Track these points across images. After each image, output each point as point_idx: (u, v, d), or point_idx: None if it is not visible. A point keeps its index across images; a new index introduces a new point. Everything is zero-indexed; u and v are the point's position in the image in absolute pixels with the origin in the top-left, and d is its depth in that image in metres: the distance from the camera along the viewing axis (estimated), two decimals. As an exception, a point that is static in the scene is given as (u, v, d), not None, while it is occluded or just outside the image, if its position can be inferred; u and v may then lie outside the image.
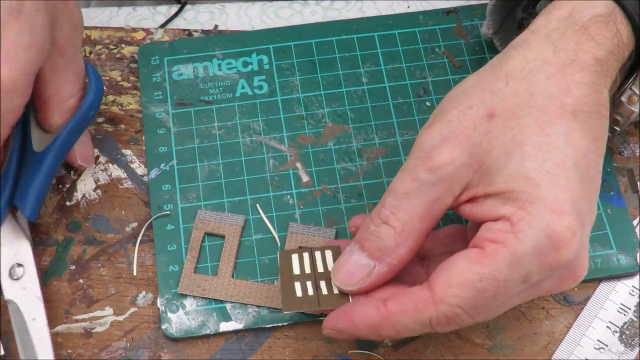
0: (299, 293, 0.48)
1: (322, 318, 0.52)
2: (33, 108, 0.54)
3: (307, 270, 0.49)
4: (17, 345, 0.50)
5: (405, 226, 0.45)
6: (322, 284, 0.48)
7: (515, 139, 0.44)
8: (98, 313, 0.53)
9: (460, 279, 0.43)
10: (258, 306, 0.53)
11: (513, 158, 0.43)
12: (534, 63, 0.45)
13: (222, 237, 0.55)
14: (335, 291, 0.48)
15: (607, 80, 0.46)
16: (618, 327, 0.54)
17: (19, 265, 0.52)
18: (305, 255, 0.50)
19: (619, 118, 0.53)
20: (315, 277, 0.49)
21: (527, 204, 0.43)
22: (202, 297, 0.53)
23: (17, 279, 0.52)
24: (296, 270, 0.49)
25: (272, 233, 0.56)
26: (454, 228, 0.51)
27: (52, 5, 0.49)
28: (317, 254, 0.49)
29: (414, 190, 0.45)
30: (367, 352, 0.53)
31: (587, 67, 0.45)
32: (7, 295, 0.52)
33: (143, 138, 0.59)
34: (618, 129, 0.54)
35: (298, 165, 0.58)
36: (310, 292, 0.48)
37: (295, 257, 0.49)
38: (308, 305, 0.48)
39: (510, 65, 0.46)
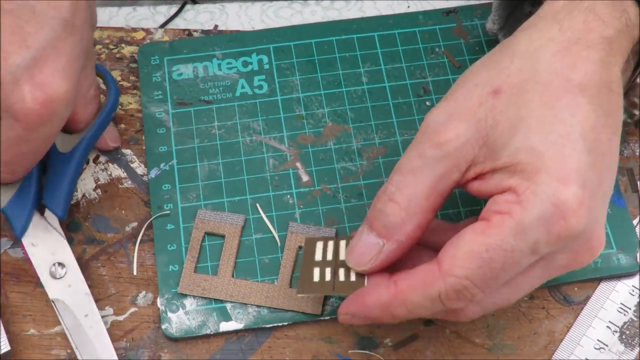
0: (316, 278, 0.49)
1: (322, 318, 0.52)
2: None
3: (329, 257, 0.49)
4: (72, 344, 0.51)
5: (411, 202, 0.45)
6: (341, 271, 0.49)
7: (520, 114, 0.44)
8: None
9: (467, 250, 0.43)
10: (258, 306, 0.53)
11: (518, 132, 0.43)
12: (539, 42, 0.45)
13: (222, 236, 0.55)
14: (352, 278, 0.48)
15: (618, 59, 0.46)
16: (618, 327, 0.54)
17: (60, 264, 0.52)
18: (330, 243, 0.50)
19: (637, 100, 0.53)
20: (335, 264, 0.49)
21: (532, 174, 0.42)
22: (202, 297, 0.53)
23: (60, 277, 0.52)
24: (318, 257, 0.50)
25: (272, 233, 0.56)
26: (474, 220, 0.51)
27: (90, 13, 0.50)
28: (342, 243, 0.50)
29: (419, 167, 0.45)
30: (367, 352, 0.52)
31: (594, 45, 0.45)
32: (53, 295, 0.52)
33: (143, 138, 0.59)
34: (637, 112, 0.53)
35: (298, 164, 0.58)
36: (328, 277, 0.48)
37: (319, 244, 0.50)
38: (323, 290, 0.48)
39: (516, 45, 0.46)
